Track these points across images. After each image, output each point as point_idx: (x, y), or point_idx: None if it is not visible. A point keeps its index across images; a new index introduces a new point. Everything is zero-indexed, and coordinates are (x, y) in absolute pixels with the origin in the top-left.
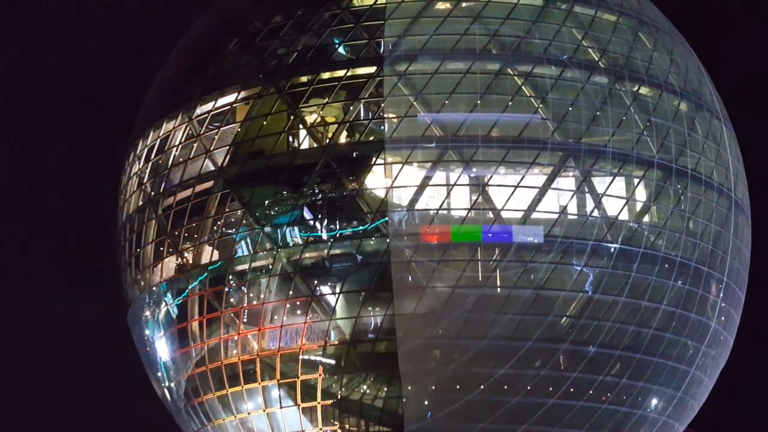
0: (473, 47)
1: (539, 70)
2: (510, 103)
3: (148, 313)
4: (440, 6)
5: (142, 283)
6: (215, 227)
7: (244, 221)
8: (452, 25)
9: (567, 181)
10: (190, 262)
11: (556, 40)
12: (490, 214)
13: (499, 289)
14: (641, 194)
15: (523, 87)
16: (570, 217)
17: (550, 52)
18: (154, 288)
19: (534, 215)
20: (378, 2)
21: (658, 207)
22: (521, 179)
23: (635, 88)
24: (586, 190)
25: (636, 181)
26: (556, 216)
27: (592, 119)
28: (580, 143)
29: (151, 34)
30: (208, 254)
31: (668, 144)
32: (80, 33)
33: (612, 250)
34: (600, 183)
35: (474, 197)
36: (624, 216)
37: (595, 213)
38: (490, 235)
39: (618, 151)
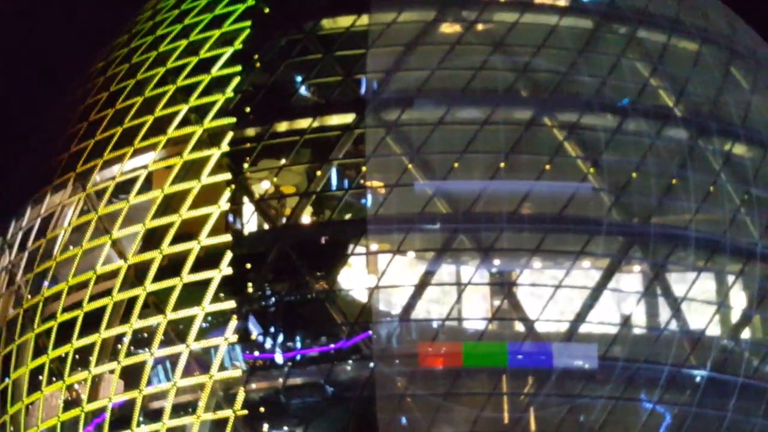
0: (494, 87)
1: (589, 120)
2: (547, 167)
3: None
4: (446, 29)
5: (12, 429)
6: (120, 346)
7: (162, 337)
8: (464, 56)
9: (631, 280)
10: (83, 397)
11: (613, 77)
12: (521, 327)
13: None
14: (739, 299)
15: (566, 143)
16: (636, 331)
17: (604, 95)
18: None
19: (584, 329)
20: (357, 24)
21: (764, 317)
22: (565, 277)
23: (727, 147)
24: (659, 292)
25: (731, 279)
26: (615, 330)
27: (665, 190)
28: (649, 225)
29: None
30: (109, 386)
31: None
32: None
33: (698, 379)
34: (679, 282)
35: (496, 302)
36: (714, 330)
37: (673, 325)
38: (520, 356)
39: (704, 237)
